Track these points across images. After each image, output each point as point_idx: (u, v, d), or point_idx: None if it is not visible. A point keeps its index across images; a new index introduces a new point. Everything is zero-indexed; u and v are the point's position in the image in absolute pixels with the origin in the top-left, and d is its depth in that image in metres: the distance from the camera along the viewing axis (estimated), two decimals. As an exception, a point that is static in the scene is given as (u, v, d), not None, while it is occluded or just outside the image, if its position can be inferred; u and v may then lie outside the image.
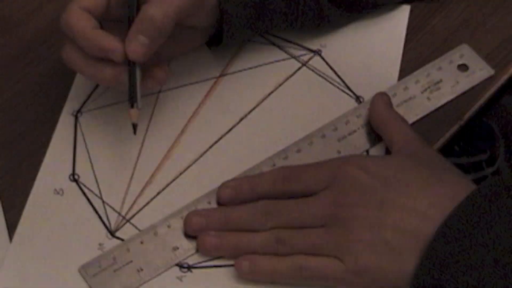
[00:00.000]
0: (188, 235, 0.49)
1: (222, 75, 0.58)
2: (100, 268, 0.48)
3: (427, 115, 0.55)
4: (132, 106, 0.50)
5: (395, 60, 0.58)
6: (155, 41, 0.48)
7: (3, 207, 0.51)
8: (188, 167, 0.53)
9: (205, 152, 0.54)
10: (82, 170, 0.53)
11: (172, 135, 0.55)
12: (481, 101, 0.56)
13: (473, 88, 0.56)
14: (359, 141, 0.54)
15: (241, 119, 0.55)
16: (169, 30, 0.48)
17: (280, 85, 0.57)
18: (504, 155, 0.83)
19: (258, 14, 0.53)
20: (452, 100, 0.56)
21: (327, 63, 0.58)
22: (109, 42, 0.47)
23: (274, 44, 0.59)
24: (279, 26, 0.56)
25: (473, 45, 0.58)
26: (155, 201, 0.52)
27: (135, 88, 0.49)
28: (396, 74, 0.57)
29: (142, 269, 0.48)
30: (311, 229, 0.47)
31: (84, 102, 0.56)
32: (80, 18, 0.48)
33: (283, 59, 0.58)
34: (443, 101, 0.55)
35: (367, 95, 0.56)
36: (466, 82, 0.56)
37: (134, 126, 0.51)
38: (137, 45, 0.48)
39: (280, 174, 0.50)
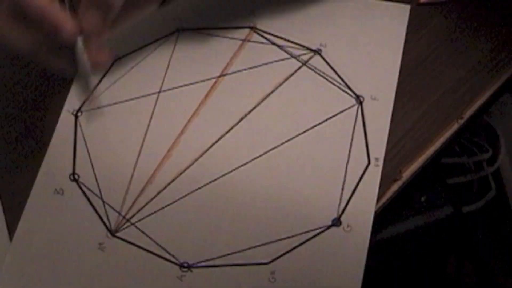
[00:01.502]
0: None
1: (222, 75, 0.58)
2: None
3: (426, 115, 0.55)
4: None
5: (395, 59, 0.58)
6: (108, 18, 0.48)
7: (3, 207, 0.51)
8: (188, 167, 0.53)
9: (205, 152, 0.54)
10: (82, 170, 0.53)
11: (172, 135, 0.55)
12: (481, 101, 0.56)
13: (474, 88, 0.56)
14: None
15: (241, 119, 0.55)
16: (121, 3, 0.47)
17: (280, 85, 0.57)
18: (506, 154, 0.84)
19: None
20: (452, 100, 0.56)
21: (327, 63, 0.58)
22: (62, 18, 0.45)
23: (274, 44, 0.59)
24: None
25: (474, 45, 0.58)
26: (155, 201, 0.52)
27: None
28: (396, 74, 0.57)
29: None
30: None
31: (84, 102, 0.56)
32: None
33: (283, 59, 0.58)
34: None
35: (367, 95, 0.56)
36: None
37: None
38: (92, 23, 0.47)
39: None
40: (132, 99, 0.56)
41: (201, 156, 0.54)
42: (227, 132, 0.55)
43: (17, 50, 0.47)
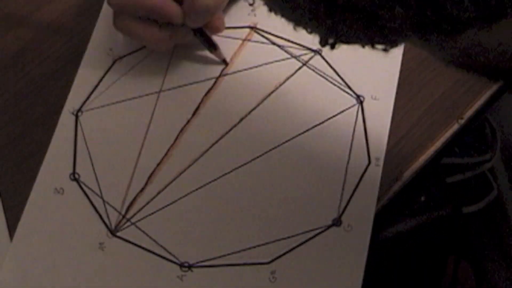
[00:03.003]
0: None
1: (222, 75, 0.58)
2: None
3: (426, 115, 0.55)
4: (212, 51, 0.56)
5: (396, 59, 0.58)
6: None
7: (3, 207, 0.51)
8: (188, 167, 0.53)
9: (205, 152, 0.54)
10: (83, 169, 0.53)
11: (172, 135, 0.55)
12: (481, 101, 0.56)
13: (474, 88, 0.56)
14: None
15: (241, 119, 0.55)
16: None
17: (280, 85, 0.57)
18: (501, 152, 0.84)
19: None
20: (452, 100, 0.56)
21: (327, 63, 0.58)
22: (171, 8, 0.52)
23: (274, 44, 0.59)
24: None
25: (474, 45, 0.58)
26: (155, 200, 0.52)
27: (207, 36, 0.55)
28: (396, 73, 0.57)
29: None
30: None
31: (85, 101, 0.56)
32: None
33: (283, 59, 0.58)
34: None
35: (367, 95, 0.56)
36: None
37: (225, 61, 0.58)
38: (196, 23, 0.54)
39: None
40: (132, 99, 0.56)
41: (201, 156, 0.54)
42: (227, 132, 0.55)
43: (144, 42, 0.56)
